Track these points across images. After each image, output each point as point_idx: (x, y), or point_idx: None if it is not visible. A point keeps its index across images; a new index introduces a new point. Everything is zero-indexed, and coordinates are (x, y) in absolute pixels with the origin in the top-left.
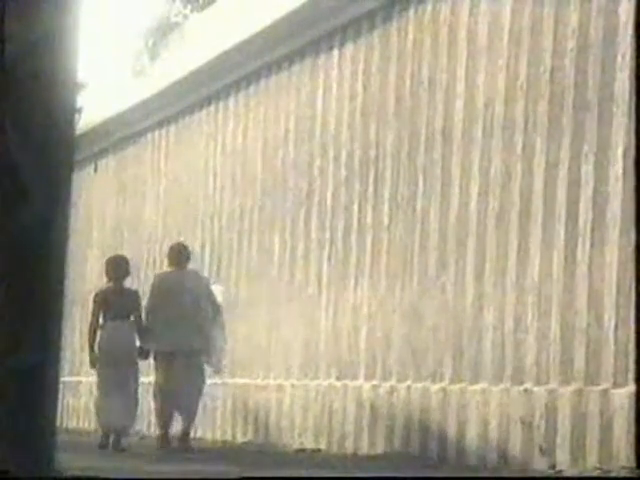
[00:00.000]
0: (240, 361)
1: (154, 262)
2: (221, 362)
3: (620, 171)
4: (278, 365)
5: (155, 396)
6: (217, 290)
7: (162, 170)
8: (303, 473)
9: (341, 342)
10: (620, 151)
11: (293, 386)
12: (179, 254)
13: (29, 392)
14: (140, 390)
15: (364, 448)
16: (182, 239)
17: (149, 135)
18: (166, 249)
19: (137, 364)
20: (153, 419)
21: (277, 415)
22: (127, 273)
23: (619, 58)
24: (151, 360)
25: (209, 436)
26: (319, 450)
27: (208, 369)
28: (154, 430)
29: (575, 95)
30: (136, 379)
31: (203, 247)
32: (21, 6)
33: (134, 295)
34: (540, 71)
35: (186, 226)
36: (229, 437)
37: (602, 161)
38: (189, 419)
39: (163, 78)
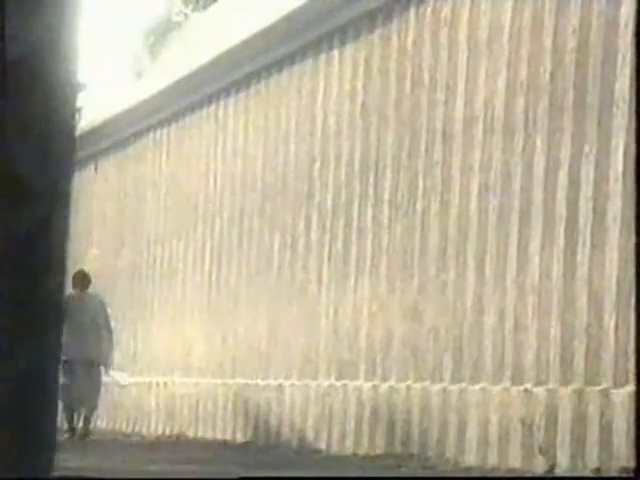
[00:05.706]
0: (240, 361)
1: (154, 262)
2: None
3: (620, 171)
4: (278, 365)
5: (61, 395)
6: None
7: (162, 170)
8: (303, 473)
9: (341, 342)
10: (620, 151)
11: (293, 386)
12: (82, 279)
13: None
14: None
15: (364, 448)
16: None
17: (149, 135)
18: (167, 249)
19: None
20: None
21: (277, 415)
22: None
23: (619, 58)
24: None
25: (209, 436)
26: (319, 450)
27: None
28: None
29: (575, 95)
30: None
31: (203, 247)
32: (21, 6)
33: None
34: (540, 71)
35: (186, 226)
36: (229, 437)
37: (602, 161)
38: (90, 411)
39: (163, 78)
